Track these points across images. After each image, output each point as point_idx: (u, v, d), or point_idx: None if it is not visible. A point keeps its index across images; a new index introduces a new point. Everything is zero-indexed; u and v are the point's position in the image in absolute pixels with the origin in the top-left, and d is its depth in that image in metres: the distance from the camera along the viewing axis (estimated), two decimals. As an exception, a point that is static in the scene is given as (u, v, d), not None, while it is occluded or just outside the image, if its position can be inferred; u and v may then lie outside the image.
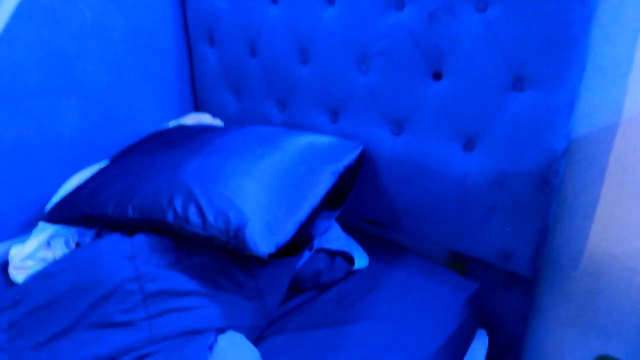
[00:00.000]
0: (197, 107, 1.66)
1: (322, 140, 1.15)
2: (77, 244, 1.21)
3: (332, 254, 1.12)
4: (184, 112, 1.63)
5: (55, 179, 1.32)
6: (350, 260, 1.13)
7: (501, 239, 1.06)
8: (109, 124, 1.43)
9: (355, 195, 1.26)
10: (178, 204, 0.97)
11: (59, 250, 1.20)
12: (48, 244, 1.20)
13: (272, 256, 0.88)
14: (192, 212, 0.95)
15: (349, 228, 1.27)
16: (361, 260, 1.17)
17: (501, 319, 1.17)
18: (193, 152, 1.10)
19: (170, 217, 0.97)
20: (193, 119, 1.56)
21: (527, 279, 1.09)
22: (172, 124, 1.57)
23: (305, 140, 1.13)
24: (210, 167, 1.03)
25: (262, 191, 0.96)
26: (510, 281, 1.13)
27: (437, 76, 1.06)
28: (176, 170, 1.04)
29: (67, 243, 1.22)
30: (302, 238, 1.03)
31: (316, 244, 1.09)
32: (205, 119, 1.56)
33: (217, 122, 1.58)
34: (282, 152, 1.07)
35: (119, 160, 1.21)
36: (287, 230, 0.93)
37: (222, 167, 1.02)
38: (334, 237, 1.14)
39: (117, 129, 1.45)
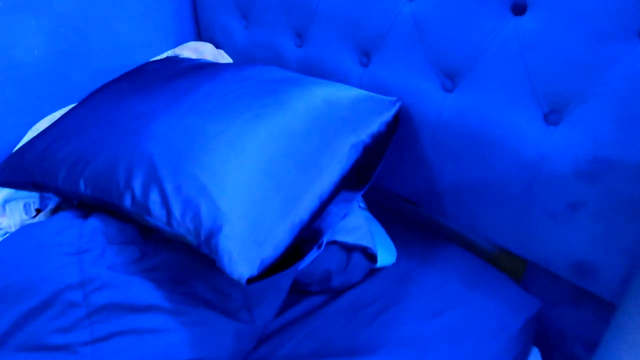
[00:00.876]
0: (200, 35, 1.35)
1: (344, 94, 0.84)
2: (38, 210, 0.99)
3: (349, 248, 0.85)
4: (181, 40, 1.32)
5: (15, 123, 1.08)
6: (371, 257, 0.87)
7: (580, 248, 0.76)
8: (84, 53, 1.15)
9: (386, 165, 0.96)
10: (137, 185, 0.71)
11: (16, 216, 0.98)
12: (3, 208, 0.98)
13: (252, 280, 0.62)
14: (154, 199, 0.69)
15: (372, 203, 1.00)
16: (386, 257, 0.90)
17: (561, 339, 0.90)
18: (168, 104, 0.81)
19: (127, 202, 0.71)
20: (190, 48, 1.26)
21: (606, 301, 0.80)
22: (165, 55, 1.28)
23: (322, 94, 0.82)
24: (185, 131, 0.74)
25: (252, 175, 0.68)
26: (579, 297, 0.85)
27: (519, 10, 0.72)
28: (141, 133, 0.76)
29: (26, 208, 1.00)
30: (307, 236, 0.76)
31: (328, 235, 0.82)
32: (206, 49, 1.25)
33: (222, 55, 1.27)
34: (287, 114, 0.77)
35: (83, 105, 0.94)
36: (280, 238, 0.65)
37: (200, 132, 0.73)
38: (353, 225, 0.87)
39: (95, 60, 1.17)
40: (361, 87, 0.95)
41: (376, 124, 0.82)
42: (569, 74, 0.69)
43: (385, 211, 1.06)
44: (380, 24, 0.88)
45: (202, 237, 0.64)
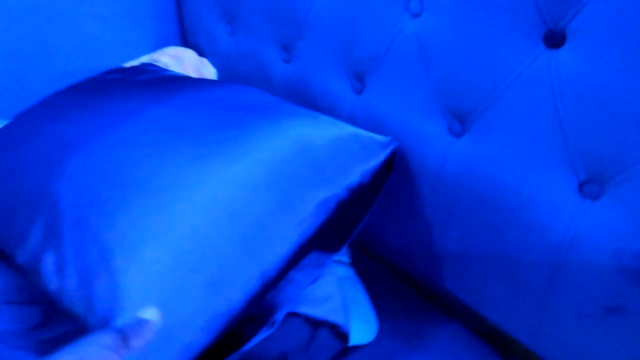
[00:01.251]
0: (186, 40, 1.19)
1: (324, 132, 0.65)
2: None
3: (314, 323, 0.67)
4: (162, 43, 1.16)
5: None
6: (342, 336, 0.69)
7: None
8: (44, 54, 1.00)
9: (374, 220, 0.79)
10: (35, 237, 0.55)
11: None
12: None
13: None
14: (49, 260, 0.52)
15: (359, 251, 0.82)
16: (363, 333, 0.72)
17: None
18: (103, 130, 0.64)
19: (20, 256, 0.55)
20: (170, 55, 1.10)
21: None
22: (141, 60, 1.12)
23: (295, 132, 0.63)
24: (108, 170, 0.58)
25: (174, 243, 0.50)
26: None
27: (555, 41, 0.53)
28: (58, 166, 0.60)
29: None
30: (255, 311, 0.59)
31: (287, 307, 0.65)
32: (187, 56, 1.09)
33: (204, 65, 1.11)
34: (242, 158, 0.59)
35: (11, 124, 0.78)
36: (206, 324, 0.48)
37: (125, 174, 0.56)
38: (322, 294, 0.69)
39: (58, 62, 1.02)
40: (352, 117, 0.77)
41: (357, 173, 0.64)
42: (620, 132, 0.50)
43: (373, 263, 0.88)
44: (376, 42, 0.70)
45: (91, 323, 0.47)
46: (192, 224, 0.51)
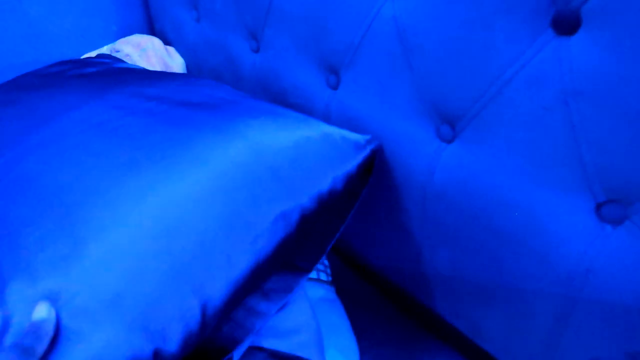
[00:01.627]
0: (153, 27, 1.08)
1: (289, 135, 0.55)
2: None
3: (282, 359, 0.58)
4: (127, 31, 1.05)
5: None
6: (314, 375, 0.59)
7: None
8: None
9: (357, 229, 0.69)
10: None
11: None
12: None
13: None
14: None
15: (342, 265, 0.72)
16: (341, 369, 0.63)
17: None
18: (22, 135, 0.54)
19: None
20: (133, 44, 0.99)
21: None
22: (102, 51, 1.01)
23: (255, 134, 0.53)
24: (17, 181, 0.48)
25: (93, 273, 0.41)
26: None
27: (568, 26, 0.41)
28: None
29: None
30: (210, 347, 0.49)
31: (248, 340, 0.55)
32: (151, 45, 0.98)
33: (171, 55, 1.00)
34: (186, 169, 0.48)
35: None
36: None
37: (36, 187, 0.46)
38: (292, 324, 0.59)
39: (5, 54, 0.91)
40: (327, 116, 0.67)
41: (327, 180, 0.53)
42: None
43: (357, 280, 0.78)
44: (350, 29, 0.59)
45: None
46: (110, 249, 0.41)
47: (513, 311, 0.53)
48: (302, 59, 0.69)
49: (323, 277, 0.74)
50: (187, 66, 0.98)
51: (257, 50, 0.78)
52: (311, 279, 0.72)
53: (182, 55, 0.99)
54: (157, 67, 0.96)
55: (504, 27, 0.45)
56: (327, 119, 0.66)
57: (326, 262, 0.77)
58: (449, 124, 0.53)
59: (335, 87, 0.65)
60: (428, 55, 0.51)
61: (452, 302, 0.61)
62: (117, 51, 0.99)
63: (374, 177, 0.61)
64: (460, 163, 0.53)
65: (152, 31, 1.07)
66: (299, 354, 0.57)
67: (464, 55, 0.48)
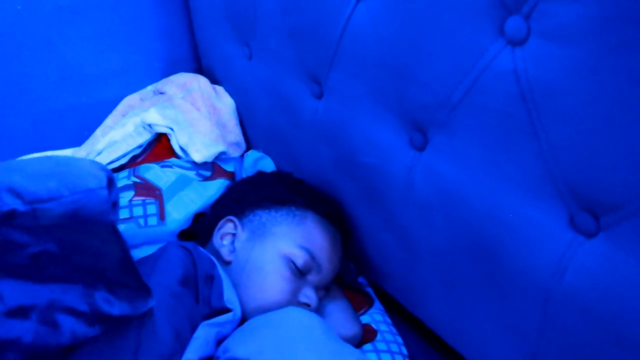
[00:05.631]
0: (200, 64, 0.98)
1: None
2: None
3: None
4: (174, 69, 0.96)
5: None
6: None
7: None
8: (20, 90, 0.82)
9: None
10: None
11: None
12: None
13: None
14: None
15: None
16: None
17: None
18: None
19: None
20: (178, 84, 0.89)
21: None
22: (146, 90, 0.93)
23: None
24: None
25: None
26: None
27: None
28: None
29: None
30: None
31: None
32: (197, 86, 0.88)
33: (220, 95, 0.90)
34: None
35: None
36: None
37: None
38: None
39: (39, 98, 0.84)
40: (410, 182, 0.54)
41: None
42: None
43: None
44: (449, 81, 0.46)
45: None
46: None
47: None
48: (377, 111, 0.56)
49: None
50: (238, 108, 0.88)
51: (319, 96, 0.66)
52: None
53: (232, 95, 0.88)
54: (203, 110, 0.86)
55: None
56: (410, 185, 0.54)
57: (404, 350, 0.64)
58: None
59: (421, 149, 0.52)
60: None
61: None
62: (161, 93, 0.91)
63: (474, 256, 0.48)
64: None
65: (199, 68, 0.98)
66: None
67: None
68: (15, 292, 0.38)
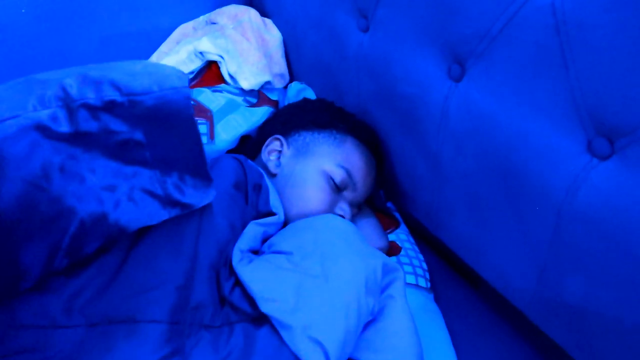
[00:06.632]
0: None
1: None
2: None
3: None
4: (224, 2, 1.01)
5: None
6: None
7: None
8: (88, 14, 0.88)
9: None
10: None
11: None
12: None
13: None
14: None
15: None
16: None
17: None
18: None
19: None
20: (229, 15, 0.95)
21: None
22: (199, 20, 0.98)
23: None
24: None
25: None
26: None
27: None
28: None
29: None
30: None
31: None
32: (247, 17, 0.93)
33: (268, 28, 0.95)
34: None
35: None
36: None
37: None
38: (392, 338, 0.54)
39: (104, 23, 0.90)
40: (445, 109, 0.59)
41: None
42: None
43: (456, 284, 0.71)
44: (489, 15, 0.50)
45: None
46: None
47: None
48: (419, 44, 0.61)
49: (422, 282, 0.68)
50: (284, 41, 0.93)
51: (365, 30, 0.71)
52: (410, 284, 0.66)
53: (280, 29, 0.93)
54: (252, 41, 0.91)
55: None
56: (445, 114, 0.59)
57: (425, 266, 0.71)
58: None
59: (458, 79, 0.57)
60: (593, 55, 0.43)
61: (575, 332, 0.53)
62: (213, 23, 0.96)
63: (499, 178, 0.54)
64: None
65: (249, 1, 1.02)
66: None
67: None
68: (107, 169, 0.46)
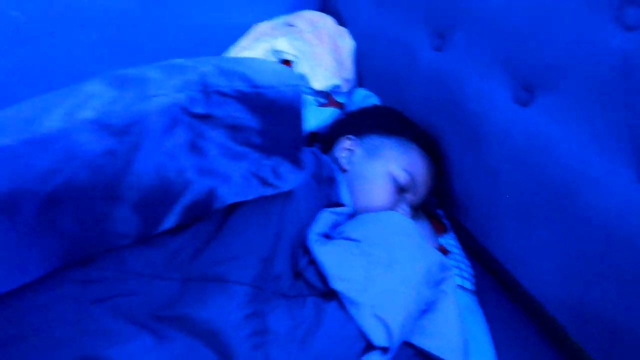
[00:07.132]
0: (324, 5, 1.10)
1: None
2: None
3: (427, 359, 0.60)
4: (298, 5, 1.09)
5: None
6: None
7: None
8: (175, 6, 0.97)
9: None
10: None
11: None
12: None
13: None
14: None
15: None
16: None
17: None
18: None
19: None
20: (306, 19, 1.02)
21: None
22: (277, 21, 1.06)
23: None
24: None
25: None
26: None
27: None
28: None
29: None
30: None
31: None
32: (324, 24, 1.01)
33: (343, 36, 1.02)
34: None
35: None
36: None
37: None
38: (442, 326, 0.61)
39: (190, 15, 0.99)
40: (508, 132, 0.66)
41: None
42: None
43: (499, 294, 0.78)
44: (564, 51, 0.57)
45: None
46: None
47: None
48: (491, 68, 0.68)
49: (468, 285, 0.74)
50: (357, 50, 1.01)
51: (439, 49, 0.78)
52: (457, 285, 0.73)
53: (355, 38, 1.01)
54: (327, 46, 0.99)
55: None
56: (508, 135, 0.66)
57: (471, 270, 0.77)
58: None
59: (525, 104, 0.64)
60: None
61: (612, 348, 0.59)
62: (291, 25, 1.04)
63: (551, 198, 0.60)
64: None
65: (322, 8, 1.10)
66: (446, 357, 0.59)
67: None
68: (224, 149, 0.54)
